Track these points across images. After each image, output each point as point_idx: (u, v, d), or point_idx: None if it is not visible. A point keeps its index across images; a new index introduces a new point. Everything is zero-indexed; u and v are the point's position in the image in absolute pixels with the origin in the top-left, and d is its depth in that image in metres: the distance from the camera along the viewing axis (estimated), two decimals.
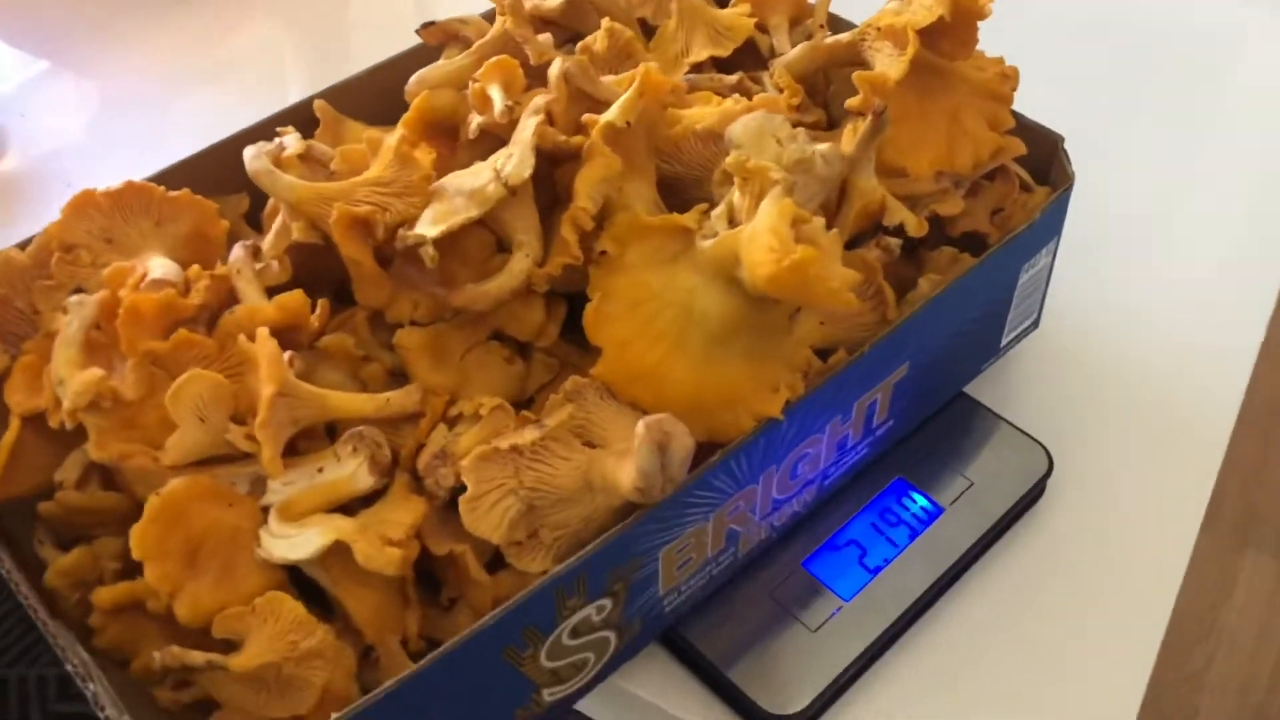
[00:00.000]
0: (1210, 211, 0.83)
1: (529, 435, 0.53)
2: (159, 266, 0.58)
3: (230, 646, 0.49)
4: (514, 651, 0.48)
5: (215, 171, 0.65)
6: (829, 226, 0.60)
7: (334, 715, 0.43)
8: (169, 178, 0.64)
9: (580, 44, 0.66)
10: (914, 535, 0.61)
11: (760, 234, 0.49)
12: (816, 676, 0.55)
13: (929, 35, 0.60)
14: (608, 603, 0.51)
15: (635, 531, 0.49)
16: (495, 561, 0.53)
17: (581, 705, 0.57)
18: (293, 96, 0.70)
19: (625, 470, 0.48)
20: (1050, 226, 0.63)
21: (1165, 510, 0.65)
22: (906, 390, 0.60)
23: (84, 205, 0.62)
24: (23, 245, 0.62)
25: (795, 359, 0.55)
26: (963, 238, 0.64)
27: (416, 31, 0.71)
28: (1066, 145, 0.65)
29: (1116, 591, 0.61)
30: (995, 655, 0.59)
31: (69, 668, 0.46)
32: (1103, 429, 0.68)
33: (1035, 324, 0.70)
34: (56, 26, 0.99)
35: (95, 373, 0.52)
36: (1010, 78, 0.63)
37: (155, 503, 0.48)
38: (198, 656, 0.46)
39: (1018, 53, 0.65)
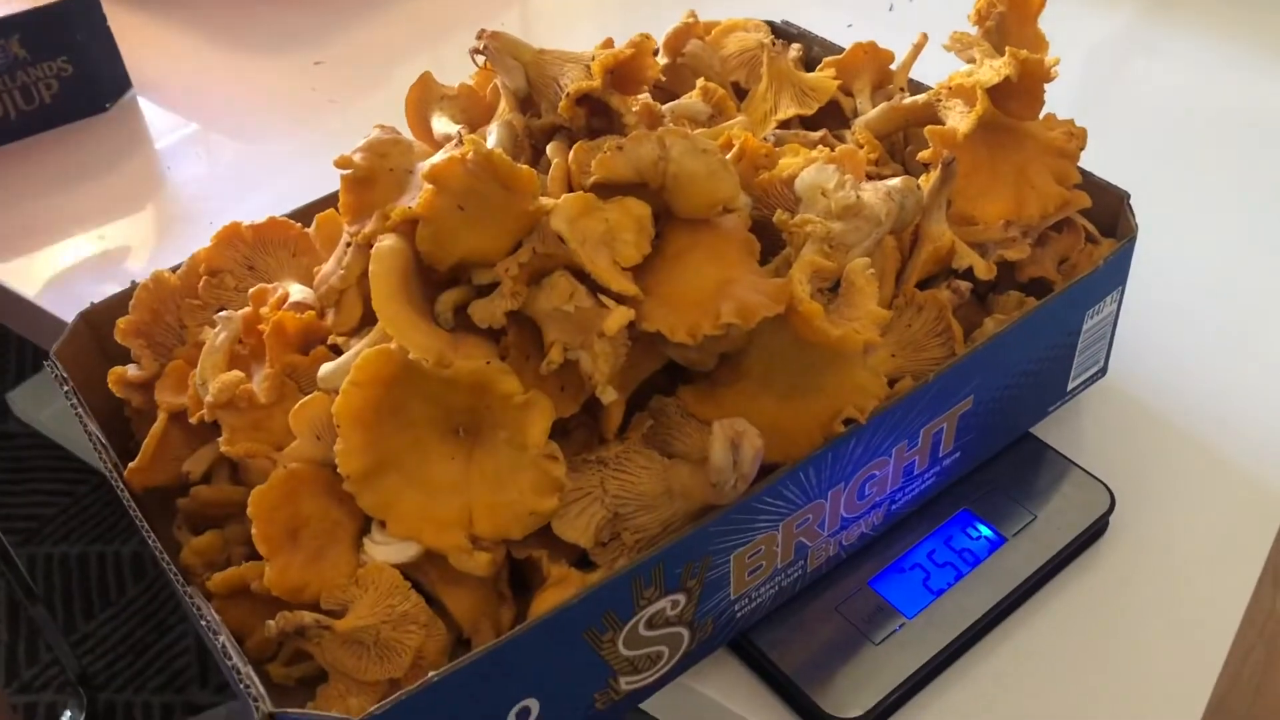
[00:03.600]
0: (1276, 267, 0.86)
1: (614, 448, 0.58)
2: (298, 291, 0.65)
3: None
4: (594, 633, 0.52)
5: None
6: (902, 267, 0.65)
7: (432, 673, 0.48)
8: (304, 215, 0.71)
9: (678, 109, 0.72)
10: (976, 562, 0.64)
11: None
12: (877, 685, 0.59)
13: (999, 96, 0.65)
14: (681, 598, 0.55)
15: (709, 530, 0.53)
16: (578, 564, 0.58)
17: (654, 707, 0.61)
18: None
19: (701, 472, 0.53)
20: (1114, 275, 0.66)
21: (1224, 558, 0.67)
22: (972, 424, 0.64)
23: (231, 236, 0.69)
24: (173, 270, 0.69)
25: (869, 386, 0.59)
26: (1031, 284, 0.68)
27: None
28: (1134, 202, 0.69)
29: (1172, 633, 0.63)
30: (1048, 682, 0.61)
31: (201, 623, 0.52)
32: (1167, 475, 0.71)
33: (1102, 371, 0.73)
34: (204, 94, 1.09)
35: (236, 375, 0.59)
36: (1077, 136, 0.68)
37: (280, 474, 0.54)
38: (308, 617, 0.51)
39: (1093, 119, 0.70)
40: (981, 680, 0.61)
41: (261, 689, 0.49)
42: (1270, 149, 0.98)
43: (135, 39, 1.12)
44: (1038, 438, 0.71)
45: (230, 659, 0.50)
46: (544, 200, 0.56)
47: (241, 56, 1.15)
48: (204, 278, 0.69)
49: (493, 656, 0.49)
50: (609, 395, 0.54)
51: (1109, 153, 0.75)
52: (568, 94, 0.61)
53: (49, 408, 1.76)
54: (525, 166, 0.56)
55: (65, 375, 0.64)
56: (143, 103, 1.06)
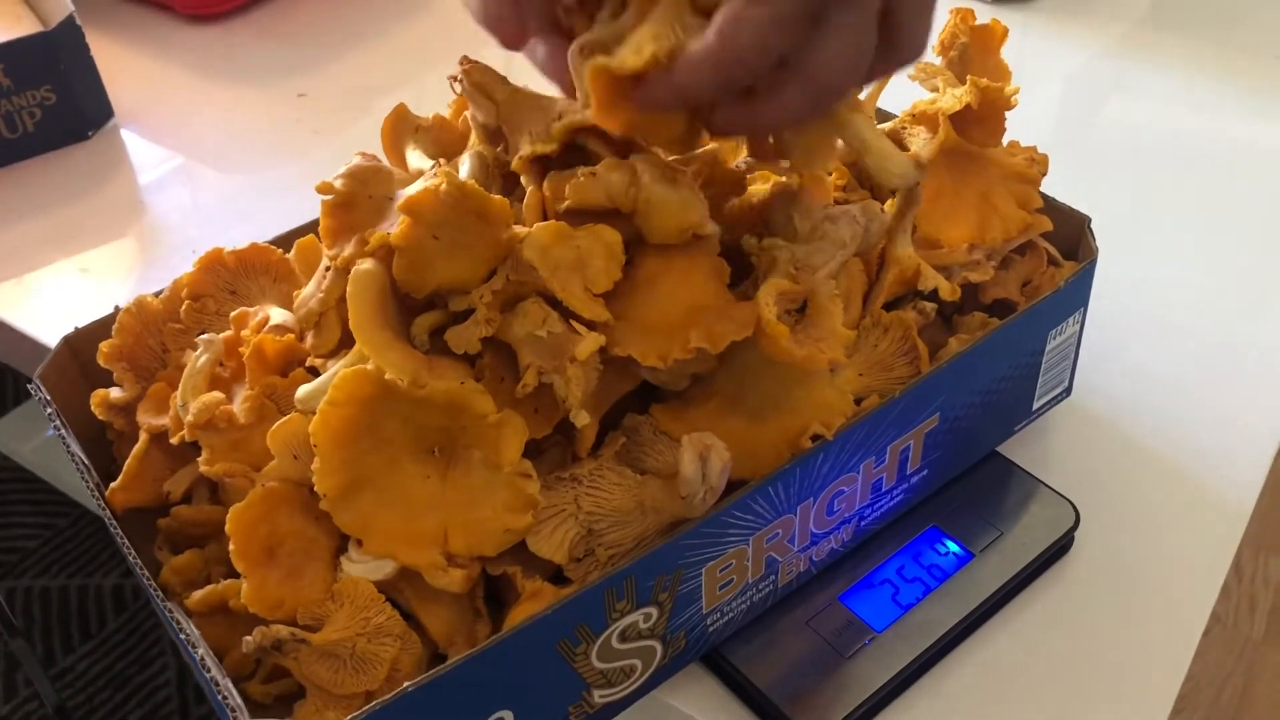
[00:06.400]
0: (1238, 289, 0.89)
1: (587, 465, 0.59)
2: (278, 314, 0.66)
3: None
4: (567, 646, 0.53)
5: None
6: (869, 289, 0.67)
7: (408, 683, 0.49)
8: (286, 242, 0.73)
9: None
10: (945, 577, 0.65)
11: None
12: (847, 698, 0.60)
13: (961, 123, 0.67)
14: (653, 611, 0.56)
15: (680, 543, 0.55)
16: (553, 581, 0.59)
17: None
18: None
19: (671, 486, 0.54)
20: (1075, 296, 0.68)
21: (1185, 574, 0.68)
22: (939, 441, 0.65)
23: (213, 261, 0.71)
24: (156, 295, 0.71)
25: (837, 404, 0.61)
26: (994, 305, 0.70)
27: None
28: (1099, 228, 0.71)
29: (1134, 647, 0.65)
30: (1013, 695, 0.63)
31: (180, 637, 0.53)
32: (1130, 493, 0.72)
33: (1067, 391, 0.75)
34: (186, 125, 1.11)
35: (216, 395, 0.60)
36: (1039, 162, 0.70)
37: (259, 492, 0.55)
38: (284, 631, 0.52)
39: (1061, 147, 0.72)
40: (949, 693, 0.63)
41: (240, 700, 0.50)
42: (1230, 178, 1.00)
43: (118, 69, 1.14)
44: (1005, 456, 0.72)
45: (209, 671, 0.50)
46: (517, 229, 0.57)
47: (225, 88, 1.17)
48: (186, 302, 0.70)
49: (467, 667, 0.50)
50: (582, 419, 0.56)
51: (1076, 180, 0.77)
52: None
53: (31, 441, 1.77)
54: (498, 197, 0.58)
55: (48, 398, 0.65)
56: (125, 132, 1.08)
